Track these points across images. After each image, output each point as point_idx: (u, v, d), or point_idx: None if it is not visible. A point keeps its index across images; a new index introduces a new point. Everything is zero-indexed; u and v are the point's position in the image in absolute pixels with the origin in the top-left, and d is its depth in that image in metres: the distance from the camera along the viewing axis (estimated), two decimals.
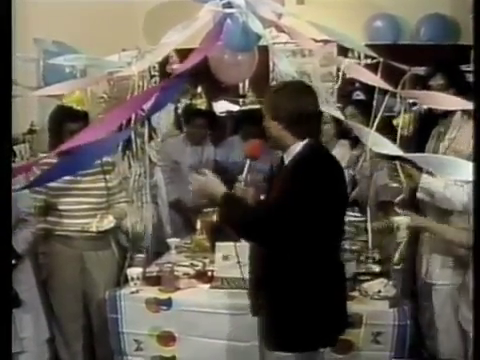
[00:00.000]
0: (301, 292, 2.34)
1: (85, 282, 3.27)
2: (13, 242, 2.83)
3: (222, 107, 5.46)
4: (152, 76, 3.45)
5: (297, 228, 2.24)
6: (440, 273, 3.03)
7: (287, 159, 2.44)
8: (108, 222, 3.23)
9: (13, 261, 2.81)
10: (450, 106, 2.58)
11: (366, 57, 3.49)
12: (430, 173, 2.90)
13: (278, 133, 2.40)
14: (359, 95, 3.97)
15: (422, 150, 3.16)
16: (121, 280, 3.21)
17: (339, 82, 3.41)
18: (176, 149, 4.62)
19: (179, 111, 5.06)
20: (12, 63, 2.74)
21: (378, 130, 2.63)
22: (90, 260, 3.27)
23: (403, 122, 3.53)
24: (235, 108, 5.48)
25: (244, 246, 2.59)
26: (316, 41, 3.28)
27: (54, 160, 2.99)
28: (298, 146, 2.40)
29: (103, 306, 3.07)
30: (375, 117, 2.85)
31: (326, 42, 3.55)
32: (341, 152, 3.81)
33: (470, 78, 3.28)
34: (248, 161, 2.52)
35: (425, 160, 2.51)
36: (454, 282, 2.97)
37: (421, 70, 3.14)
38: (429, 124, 3.39)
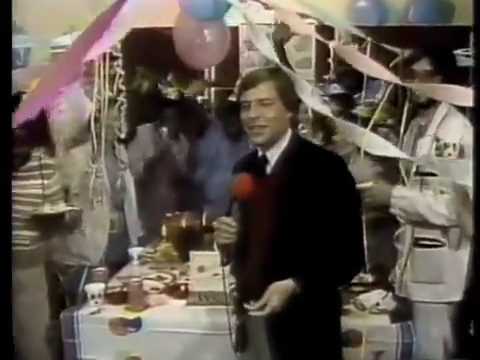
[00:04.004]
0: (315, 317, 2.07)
1: None
2: None
3: None
4: (114, 58, 2.99)
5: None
6: (414, 287, 2.73)
7: (273, 157, 2.10)
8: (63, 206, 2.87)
9: None
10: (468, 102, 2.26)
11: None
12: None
13: (282, 123, 2.10)
14: (336, 88, 3.59)
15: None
16: (78, 299, 2.80)
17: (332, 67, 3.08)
18: (145, 144, 4.13)
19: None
20: None
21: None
22: None
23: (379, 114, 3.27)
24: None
25: None
26: None
27: None
28: (284, 140, 2.11)
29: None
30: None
31: None
32: None
33: (465, 62, 3.03)
34: (234, 202, 1.98)
35: (431, 164, 2.24)
36: (434, 299, 2.66)
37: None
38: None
